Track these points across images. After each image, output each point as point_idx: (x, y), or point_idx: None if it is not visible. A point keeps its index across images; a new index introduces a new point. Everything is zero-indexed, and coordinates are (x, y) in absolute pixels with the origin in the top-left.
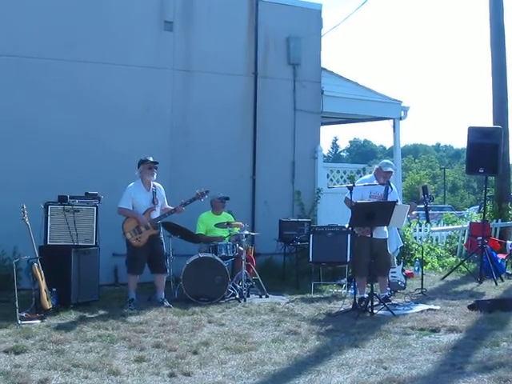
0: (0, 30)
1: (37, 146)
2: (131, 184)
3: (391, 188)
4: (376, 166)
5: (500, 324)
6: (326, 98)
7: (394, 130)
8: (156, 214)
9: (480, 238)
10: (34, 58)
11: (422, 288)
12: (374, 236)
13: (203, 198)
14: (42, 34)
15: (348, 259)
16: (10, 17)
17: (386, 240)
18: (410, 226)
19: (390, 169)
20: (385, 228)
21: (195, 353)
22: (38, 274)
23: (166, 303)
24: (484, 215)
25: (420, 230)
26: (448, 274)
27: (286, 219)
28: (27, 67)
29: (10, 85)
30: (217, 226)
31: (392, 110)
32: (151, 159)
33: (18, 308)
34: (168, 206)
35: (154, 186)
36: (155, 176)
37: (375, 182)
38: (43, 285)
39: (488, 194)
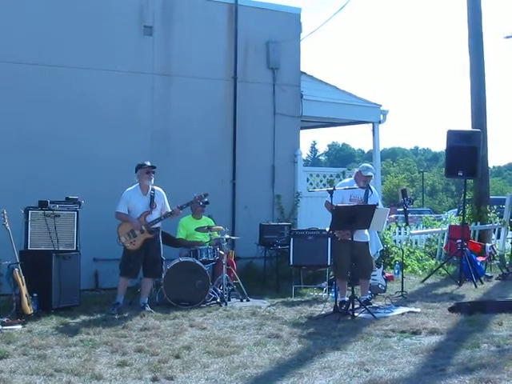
0: None
1: (17, 151)
2: (129, 188)
3: (371, 191)
4: (356, 170)
5: (480, 326)
6: (305, 102)
7: (374, 134)
8: (152, 218)
9: (459, 240)
10: (12, 63)
11: (402, 291)
12: (354, 239)
13: (201, 201)
14: (21, 40)
15: (328, 262)
16: None
17: (367, 243)
18: (389, 229)
19: (370, 173)
20: (366, 231)
21: (177, 357)
22: (19, 279)
23: (148, 308)
24: (463, 218)
25: (399, 234)
26: (428, 277)
27: (266, 223)
28: (6, 71)
29: None
30: (197, 230)
31: (371, 114)
32: (148, 164)
33: None
34: (168, 209)
35: (152, 190)
36: (153, 180)
37: (355, 186)
38: (24, 290)
39: (467, 197)
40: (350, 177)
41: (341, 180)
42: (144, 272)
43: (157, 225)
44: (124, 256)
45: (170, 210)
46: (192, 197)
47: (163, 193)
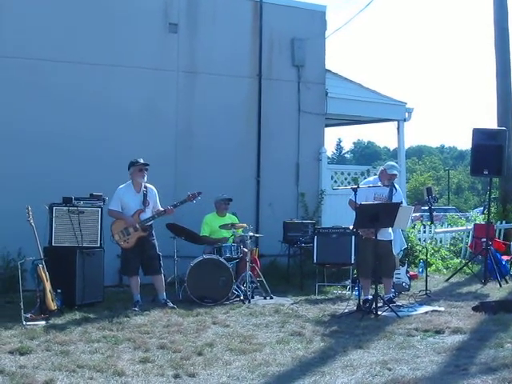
0: (3, 32)
1: (40, 148)
2: (121, 186)
3: (395, 189)
4: (381, 168)
5: (504, 325)
6: (330, 100)
7: (399, 132)
8: (146, 216)
9: (484, 239)
10: (36, 60)
11: (426, 289)
12: (378, 237)
13: (195, 199)
14: (45, 37)
15: (352, 261)
16: (14, 18)
17: (390, 241)
18: (414, 227)
19: (395, 171)
20: (390, 229)
21: (200, 354)
22: (43, 275)
23: (170, 304)
24: (488, 217)
25: (424, 232)
26: (452, 276)
27: (290, 221)
28: (30, 69)
29: (12, 87)
30: (221, 227)
31: (396, 112)
32: (141, 161)
33: (23, 309)
34: (160, 208)
35: (145, 187)
36: (146, 178)
37: (379, 184)
38: (48, 286)
39: (492, 196)
40: (375, 175)
41: (365, 178)
42: (144, 271)
43: (149, 222)
44: (121, 255)
45: (162, 209)
46: (186, 195)
47: (155, 190)
